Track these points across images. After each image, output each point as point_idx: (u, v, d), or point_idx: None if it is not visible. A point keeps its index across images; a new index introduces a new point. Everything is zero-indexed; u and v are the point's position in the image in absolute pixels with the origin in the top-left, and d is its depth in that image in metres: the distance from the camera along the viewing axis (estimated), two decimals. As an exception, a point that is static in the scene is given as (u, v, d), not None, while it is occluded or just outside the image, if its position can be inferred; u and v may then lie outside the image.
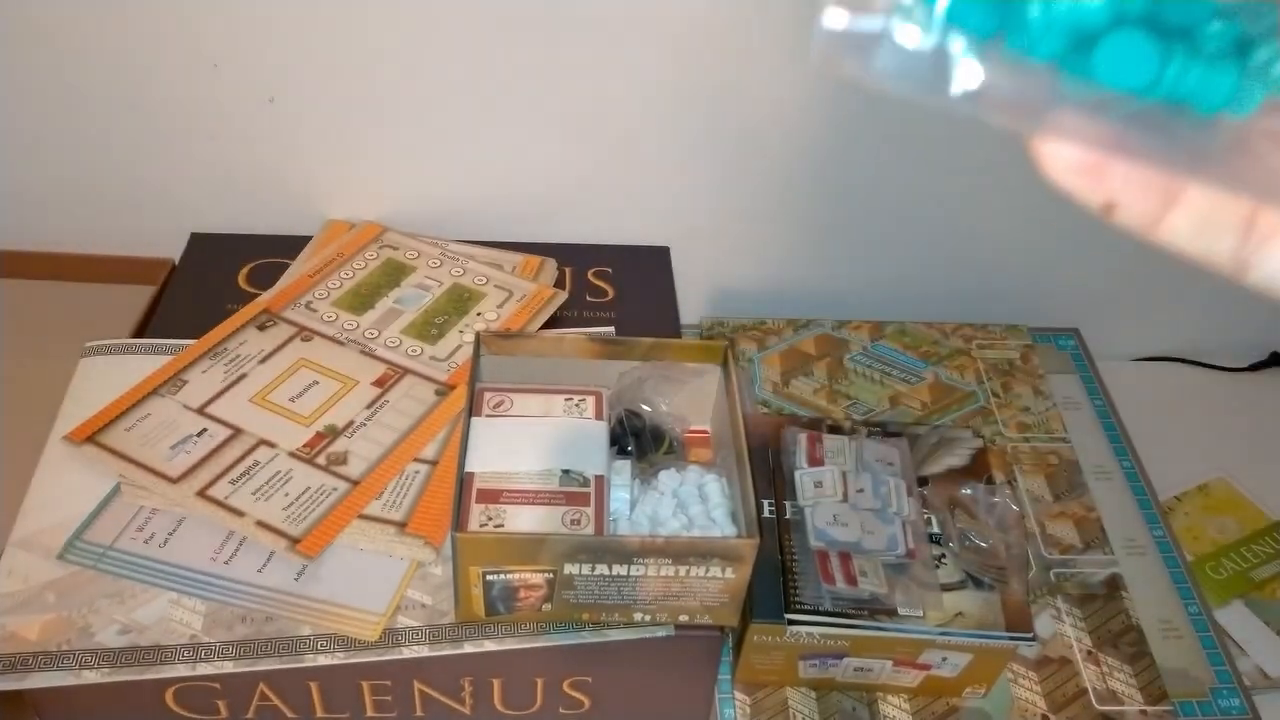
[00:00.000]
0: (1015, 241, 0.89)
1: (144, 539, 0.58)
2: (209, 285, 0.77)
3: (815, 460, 0.65)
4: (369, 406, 0.67)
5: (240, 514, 0.59)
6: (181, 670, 0.53)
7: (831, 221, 0.88)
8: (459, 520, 0.53)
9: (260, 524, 0.58)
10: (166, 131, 0.80)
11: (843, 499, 0.63)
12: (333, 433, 0.64)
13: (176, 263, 0.82)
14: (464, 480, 0.55)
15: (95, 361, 0.69)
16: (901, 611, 0.59)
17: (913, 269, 0.91)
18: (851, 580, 0.59)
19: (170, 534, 0.59)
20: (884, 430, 0.69)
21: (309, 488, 0.61)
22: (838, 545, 0.61)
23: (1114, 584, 0.70)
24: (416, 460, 0.63)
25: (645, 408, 0.64)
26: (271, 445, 0.63)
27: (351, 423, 0.65)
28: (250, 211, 0.84)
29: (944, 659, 0.60)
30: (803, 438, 0.67)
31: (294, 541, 0.57)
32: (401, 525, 0.59)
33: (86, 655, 0.53)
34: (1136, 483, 0.79)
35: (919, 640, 0.59)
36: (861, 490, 0.63)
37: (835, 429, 0.68)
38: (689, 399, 0.66)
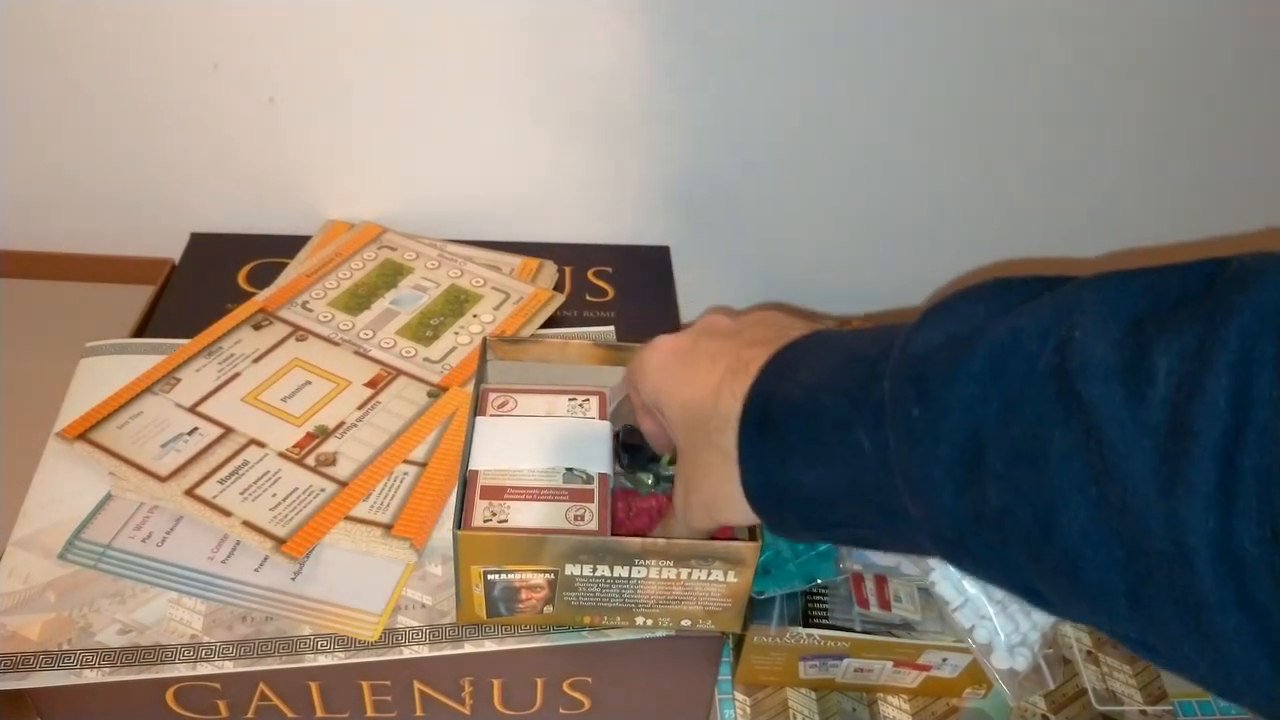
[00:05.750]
0: (1015, 239, 0.89)
1: (141, 538, 0.58)
2: (209, 285, 0.77)
3: None
4: (360, 407, 0.66)
5: (227, 514, 0.59)
6: (182, 670, 0.53)
7: (831, 221, 0.88)
8: (461, 518, 0.53)
9: (247, 524, 0.58)
10: (166, 131, 0.80)
11: None
12: (323, 433, 0.64)
13: (176, 263, 0.82)
14: (468, 478, 0.55)
15: (95, 361, 0.69)
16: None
17: (914, 268, 0.91)
18: (885, 604, 0.59)
19: (168, 533, 0.59)
20: None
21: (297, 488, 0.61)
22: (875, 568, 0.60)
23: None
24: (406, 462, 0.63)
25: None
26: (261, 445, 0.63)
27: (342, 423, 0.65)
28: (250, 211, 0.84)
29: (944, 659, 0.60)
30: None
31: (279, 542, 0.57)
32: (388, 528, 0.59)
33: (87, 655, 0.53)
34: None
35: (919, 642, 0.59)
36: None
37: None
38: None
